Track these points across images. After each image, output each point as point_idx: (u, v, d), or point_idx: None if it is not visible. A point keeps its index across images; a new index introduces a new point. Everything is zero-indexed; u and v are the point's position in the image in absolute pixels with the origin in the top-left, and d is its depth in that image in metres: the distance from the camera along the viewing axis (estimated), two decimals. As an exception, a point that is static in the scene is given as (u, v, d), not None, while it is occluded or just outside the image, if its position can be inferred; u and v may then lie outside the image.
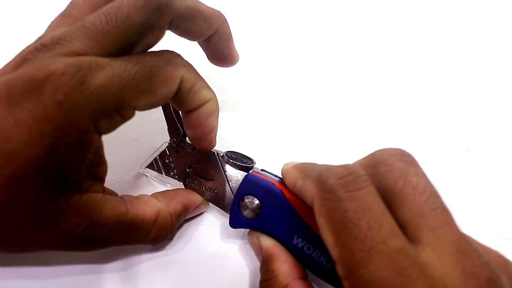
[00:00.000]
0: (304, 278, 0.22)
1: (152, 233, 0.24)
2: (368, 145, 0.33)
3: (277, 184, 0.23)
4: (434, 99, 0.37)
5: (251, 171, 0.25)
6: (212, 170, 0.26)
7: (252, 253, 0.26)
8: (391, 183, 0.18)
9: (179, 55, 0.23)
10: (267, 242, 0.23)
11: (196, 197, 0.27)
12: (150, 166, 0.29)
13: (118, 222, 0.22)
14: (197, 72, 0.24)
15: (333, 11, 0.43)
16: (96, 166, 0.22)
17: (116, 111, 0.20)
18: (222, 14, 0.26)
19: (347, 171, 0.18)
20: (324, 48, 0.40)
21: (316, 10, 0.43)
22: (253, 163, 0.26)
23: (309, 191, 0.19)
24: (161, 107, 0.28)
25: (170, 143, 0.28)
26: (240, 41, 0.39)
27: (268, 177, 0.24)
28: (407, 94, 0.37)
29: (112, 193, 0.24)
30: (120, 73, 0.20)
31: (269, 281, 0.22)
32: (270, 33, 0.40)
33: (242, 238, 0.27)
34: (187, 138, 0.27)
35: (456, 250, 0.16)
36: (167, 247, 0.27)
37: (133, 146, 0.32)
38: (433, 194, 0.18)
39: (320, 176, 0.18)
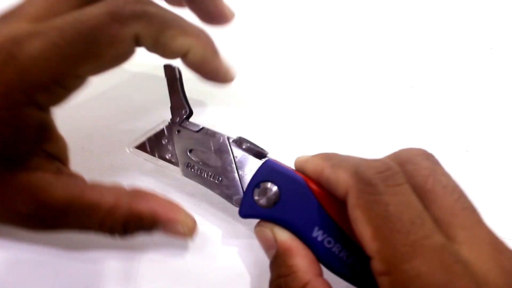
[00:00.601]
0: (321, 275, 0.21)
1: (104, 222, 0.22)
2: (368, 145, 0.33)
3: (298, 173, 0.22)
4: (434, 99, 0.37)
5: (265, 158, 0.24)
6: (219, 155, 0.24)
7: (252, 253, 0.26)
8: (420, 181, 0.18)
9: (136, 1, 0.21)
10: (284, 234, 0.21)
11: (178, 217, 0.23)
12: (141, 146, 0.26)
13: (69, 205, 0.21)
14: (163, 18, 0.21)
15: (335, 11, 0.43)
16: (45, 142, 0.21)
17: (55, 83, 0.19)
18: None
19: (385, 166, 0.18)
20: (324, 47, 0.40)
21: (319, 10, 0.43)
22: (266, 152, 0.25)
23: (343, 181, 0.18)
24: (165, 79, 0.26)
25: (170, 122, 0.25)
26: (252, 30, 0.39)
27: (286, 165, 0.23)
28: (407, 94, 0.37)
29: (73, 175, 0.22)
30: (55, 40, 0.18)
31: (288, 277, 0.20)
32: (274, 34, 0.40)
33: (243, 237, 0.27)
34: (191, 119, 0.26)
35: (492, 248, 0.16)
36: (167, 246, 0.27)
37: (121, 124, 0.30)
38: (463, 194, 0.18)
39: (357, 167, 0.18)
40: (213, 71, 0.24)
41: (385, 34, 0.42)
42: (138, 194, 0.23)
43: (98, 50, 0.19)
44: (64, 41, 0.19)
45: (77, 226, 0.22)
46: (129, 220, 0.22)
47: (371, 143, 0.33)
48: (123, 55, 0.21)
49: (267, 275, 0.22)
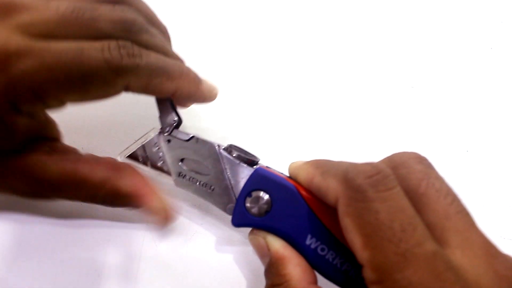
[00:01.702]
0: (316, 282, 0.21)
1: (94, 195, 0.23)
2: (368, 145, 0.33)
3: (290, 180, 0.22)
4: (434, 99, 0.37)
5: (256, 166, 0.24)
6: (210, 164, 0.24)
7: (248, 260, 0.26)
8: (413, 185, 0.18)
9: (135, 50, 0.22)
10: (276, 243, 0.21)
11: (155, 202, 0.24)
12: (133, 156, 0.26)
13: (62, 180, 0.23)
14: (151, 69, 0.22)
15: (335, 11, 0.43)
16: (38, 131, 0.23)
17: (38, 99, 0.20)
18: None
19: (375, 169, 0.17)
20: (324, 47, 0.40)
21: (318, 10, 0.43)
22: (258, 159, 0.24)
23: (332, 189, 0.18)
24: None
25: (161, 131, 0.25)
26: (245, 34, 0.39)
27: (278, 173, 0.23)
28: (407, 94, 0.37)
29: (65, 151, 0.24)
30: (50, 66, 0.20)
31: (281, 286, 0.20)
32: (273, 32, 0.40)
33: (243, 237, 0.27)
34: (181, 127, 0.26)
35: (485, 253, 0.16)
36: (167, 246, 0.27)
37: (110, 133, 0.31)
38: (456, 198, 0.18)
39: (346, 174, 0.18)
40: (199, 99, 0.27)
41: (385, 34, 0.42)
42: (125, 170, 0.24)
43: (88, 89, 0.21)
44: (59, 72, 0.20)
45: (70, 197, 0.24)
46: (114, 195, 0.24)
47: (371, 144, 0.33)
48: (111, 95, 0.22)
49: (262, 282, 0.21)
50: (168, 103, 0.25)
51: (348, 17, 0.43)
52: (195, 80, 0.26)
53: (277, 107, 0.35)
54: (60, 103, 0.22)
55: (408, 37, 0.41)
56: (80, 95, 0.21)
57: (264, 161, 0.26)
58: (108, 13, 0.21)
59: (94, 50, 0.20)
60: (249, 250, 0.27)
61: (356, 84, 0.37)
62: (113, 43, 0.21)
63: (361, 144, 0.33)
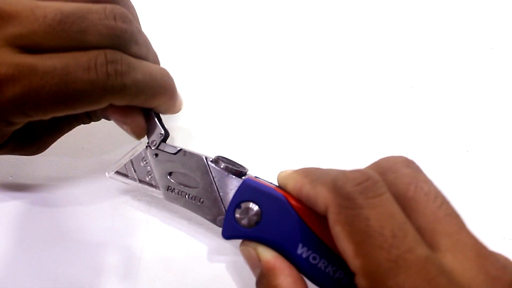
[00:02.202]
0: None
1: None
2: (368, 146, 0.33)
3: (279, 190, 0.22)
4: (434, 99, 0.37)
5: (244, 177, 0.24)
6: (199, 177, 0.24)
7: (238, 270, 0.26)
8: (402, 189, 0.18)
9: (124, 67, 0.21)
10: (267, 254, 0.21)
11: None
12: (121, 171, 0.26)
13: None
14: (136, 89, 0.22)
15: (333, 10, 0.43)
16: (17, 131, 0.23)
17: (26, 116, 0.21)
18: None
19: (363, 176, 0.17)
20: (323, 47, 0.40)
21: (315, 8, 0.43)
22: (246, 169, 0.24)
23: (322, 197, 0.18)
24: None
25: (148, 145, 0.25)
26: (232, 39, 0.39)
27: (267, 183, 0.23)
28: (407, 94, 0.37)
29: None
30: (37, 89, 0.20)
31: None
32: (266, 30, 0.40)
33: (230, 254, 0.27)
34: (167, 141, 0.26)
35: (477, 254, 0.16)
36: (167, 245, 0.27)
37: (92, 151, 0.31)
38: (445, 200, 0.18)
39: (335, 182, 0.18)
40: (169, 113, 0.27)
41: (385, 34, 0.42)
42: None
43: (74, 107, 0.21)
44: (45, 95, 0.20)
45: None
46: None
47: (371, 144, 0.33)
48: (97, 109, 0.23)
49: None
50: (154, 117, 0.25)
51: (348, 18, 0.43)
52: (173, 95, 0.25)
53: (265, 113, 0.35)
54: (46, 116, 0.22)
55: (408, 37, 0.41)
56: (66, 112, 0.21)
57: (253, 171, 0.25)
58: (98, 21, 0.20)
59: (80, 70, 0.20)
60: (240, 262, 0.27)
61: (356, 84, 0.37)
62: (101, 58, 0.20)
63: (361, 144, 0.33)
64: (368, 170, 0.18)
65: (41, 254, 0.26)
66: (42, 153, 0.27)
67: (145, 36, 0.24)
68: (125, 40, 0.21)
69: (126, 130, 0.25)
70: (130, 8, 0.24)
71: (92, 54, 0.20)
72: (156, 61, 0.25)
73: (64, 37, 0.20)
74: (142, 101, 0.23)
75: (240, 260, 0.26)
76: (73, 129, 0.28)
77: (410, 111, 0.36)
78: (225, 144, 0.33)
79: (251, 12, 0.41)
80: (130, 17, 0.22)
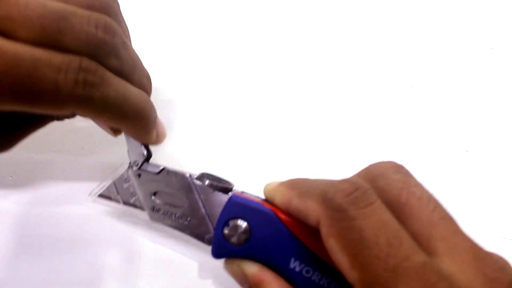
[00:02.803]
0: None
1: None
2: (367, 146, 0.33)
3: (266, 204, 0.21)
4: (434, 99, 0.37)
5: (231, 192, 0.23)
6: (184, 195, 0.24)
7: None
8: (394, 195, 0.18)
9: (96, 78, 0.20)
10: (252, 268, 0.21)
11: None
12: (104, 194, 0.25)
13: None
14: (104, 103, 0.20)
15: (332, 10, 0.43)
16: None
17: None
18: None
19: (353, 186, 0.17)
20: (323, 47, 0.40)
21: (313, 7, 0.43)
22: (232, 184, 0.24)
23: (312, 211, 0.18)
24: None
25: (130, 166, 0.25)
26: (218, 46, 0.39)
27: (253, 198, 0.22)
28: (407, 94, 0.37)
29: None
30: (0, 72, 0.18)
31: None
32: (258, 29, 0.40)
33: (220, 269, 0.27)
34: (150, 160, 0.25)
35: (473, 257, 0.16)
36: (167, 245, 0.27)
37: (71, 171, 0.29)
38: (438, 203, 0.18)
39: (324, 194, 0.17)
40: (146, 142, 0.25)
41: (384, 34, 0.42)
42: None
43: (32, 105, 0.19)
44: (5, 82, 0.18)
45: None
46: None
47: (371, 144, 0.33)
48: (58, 115, 0.22)
49: None
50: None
51: (347, 17, 0.43)
52: (147, 125, 0.24)
53: (252, 121, 0.35)
54: (2, 107, 0.20)
55: (408, 37, 0.41)
56: (24, 108, 0.20)
57: (240, 182, 0.25)
58: (78, 26, 0.19)
59: (49, 69, 0.19)
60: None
61: (356, 84, 0.37)
62: (74, 63, 0.19)
63: (361, 144, 0.33)
64: (357, 179, 0.18)
65: (41, 254, 0.26)
66: (42, 153, 0.27)
67: (133, 55, 0.23)
68: (102, 51, 0.20)
69: (101, 127, 0.25)
70: (121, 22, 0.23)
71: (67, 57, 0.19)
72: (143, 83, 0.24)
73: (40, 32, 0.19)
74: (108, 120, 0.22)
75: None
76: (73, 129, 0.28)
77: (410, 111, 0.36)
78: (211, 155, 0.32)
79: (237, 21, 0.41)
80: (115, 29, 0.21)
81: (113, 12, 0.23)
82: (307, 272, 0.20)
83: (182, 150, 0.32)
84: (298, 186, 0.20)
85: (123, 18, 0.24)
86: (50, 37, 0.19)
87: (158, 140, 0.25)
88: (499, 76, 0.39)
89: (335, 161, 0.32)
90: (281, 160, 0.32)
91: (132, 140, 0.25)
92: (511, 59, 0.40)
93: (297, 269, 0.20)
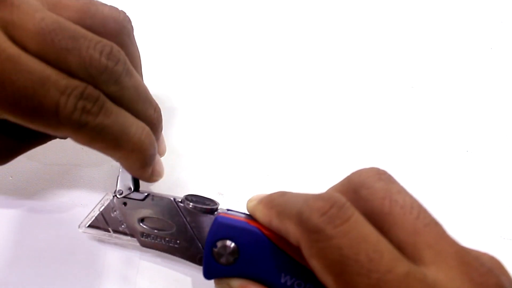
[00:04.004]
0: None
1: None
2: (367, 146, 0.33)
3: (251, 222, 0.22)
4: (434, 99, 0.37)
5: (216, 213, 0.23)
6: (171, 219, 0.24)
7: None
8: (377, 205, 0.18)
9: (94, 108, 0.20)
10: (239, 283, 0.21)
11: None
12: (94, 224, 0.25)
13: None
14: (98, 130, 0.20)
15: (332, 10, 0.43)
16: None
17: None
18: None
19: (328, 204, 0.17)
20: (323, 47, 0.40)
21: (312, 8, 0.43)
22: (217, 204, 0.24)
23: (291, 232, 0.18)
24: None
25: (114, 195, 0.25)
26: (209, 53, 0.39)
27: (238, 216, 0.23)
28: (407, 94, 0.37)
29: None
30: (5, 81, 0.18)
31: None
32: (265, 33, 0.40)
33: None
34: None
35: (460, 263, 0.16)
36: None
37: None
38: (422, 209, 0.18)
39: (299, 215, 0.17)
40: (139, 177, 0.25)
41: (384, 34, 0.42)
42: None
43: (29, 120, 0.19)
44: (11, 92, 0.19)
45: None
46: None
47: (371, 144, 0.33)
48: (52, 134, 0.21)
49: None
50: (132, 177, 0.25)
51: (347, 17, 0.43)
52: (144, 161, 0.23)
53: (251, 121, 0.35)
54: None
55: (408, 37, 0.41)
56: (19, 120, 0.20)
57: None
58: (84, 49, 0.20)
59: (54, 89, 0.19)
60: None
61: (356, 84, 0.37)
62: (78, 90, 0.19)
63: (361, 144, 0.33)
64: (333, 194, 0.18)
65: (41, 254, 0.26)
66: (42, 153, 0.27)
67: (138, 83, 0.22)
68: (103, 77, 0.20)
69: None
70: (131, 47, 0.23)
71: (74, 82, 0.19)
72: (148, 115, 0.23)
73: (48, 47, 0.19)
74: (101, 149, 0.21)
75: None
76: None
77: (410, 111, 0.36)
78: (211, 156, 0.32)
79: (239, 23, 0.41)
80: (119, 57, 0.21)
81: (125, 34, 0.23)
82: (299, 285, 0.20)
83: (181, 153, 0.32)
84: (275, 205, 0.20)
85: (135, 43, 0.24)
86: (57, 54, 0.19)
87: (152, 178, 0.25)
88: (499, 76, 0.39)
89: (335, 161, 0.32)
90: (281, 160, 0.32)
91: (126, 175, 0.25)
92: (511, 59, 0.40)
93: (289, 283, 0.20)
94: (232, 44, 0.38)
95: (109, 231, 0.25)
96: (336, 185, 0.20)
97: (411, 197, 0.18)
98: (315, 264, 0.17)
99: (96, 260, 0.26)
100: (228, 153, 0.32)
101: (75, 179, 0.29)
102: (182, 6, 0.39)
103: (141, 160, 0.23)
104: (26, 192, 0.28)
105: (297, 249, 0.19)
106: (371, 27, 0.42)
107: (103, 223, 0.25)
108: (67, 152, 0.31)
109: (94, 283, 0.25)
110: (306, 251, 0.17)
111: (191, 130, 0.33)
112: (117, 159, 0.23)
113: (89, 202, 0.28)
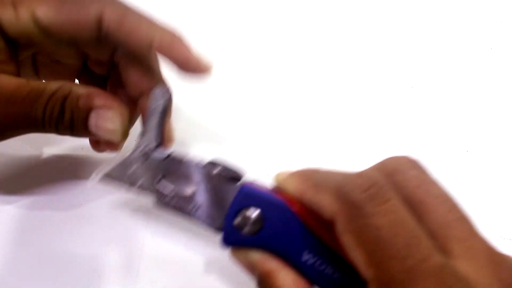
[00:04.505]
0: (310, 287, 0.20)
1: (48, 105, 0.22)
2: (367, 146, 0.33)
3: (278, 194, 0.21)
4: (434, 99, 0.37)
5: (241, 181, 0.22)
6: (192, 182, 0.23)
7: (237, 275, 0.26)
8: (410, 192, 0.17)
9: None
10: (260, 257, 0.20)
11: (111, 112, 0.23)
12: (109, 175, 0.24)
13: (15, 91, 0.22)
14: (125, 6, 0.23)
15: (333, 10, 0.43)
16: None
17: None
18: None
19: (369, 181, 0.16)
20: (324, 47, 0.40)
21: (315, 9, 0.43)
22: (243, 173, 0.23)
23: (327, 205, 0.17)
24: (151, 102, 0.24)
25: (138, 148, 0.24)
26: (235, 37, 0.39)
27: (264, 187, 0.22)
28: (407, 94, 0.37)
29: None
30: None
31: None
32: (269, 30, 0.40)
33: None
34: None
35: (489, 261, 0.16)
36: (167, 245, 0.27)
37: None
38: (455, 204, 0.17)
39: (340, 189, 0.17)
40: (184, 58, 0.25)
41: (385, 34, 0.42)
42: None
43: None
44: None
45: (23, 114, 0.23)
46: (68, 99, 0.23)
47: (371, 144, 0.33)
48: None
49: None
50: (158, 124, 0.24)
51: (348, 18, 0.43)
52: (180, 37, 0.24)
53: (263, 111, 0.35)
54: None
55: (408, 37, 0.41)
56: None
57: (251, 170, 0.24)
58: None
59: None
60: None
61: (356, 84, 0.37)
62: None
63: (361, 144, 0.33)
64: (374, 174, 0.17)
65: (40, 254, 0.26)
66: (42, 152, 0.27)
67: None
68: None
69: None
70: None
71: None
72: None
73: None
74: (138, 22, 0.23)
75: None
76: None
77: (410, 111, 0.36)
78: (222, 141, 0.32)
79: (252, 13, 0.41)
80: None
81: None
82: (320, 265, 0.20)
83: (192, 138, 0.32)
84: (310, 177, 0.19)
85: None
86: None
87: (201, 65, 0.25)
88: (499, 76, 0.39)
89: (335, 161, 0.32)
90: (288, 152, 0.32)
91: (151, 124, 0.24)
92: (511, 59, 0.40)
93: (310, 262, 0.20)
94: (237, 51, 0.38)
95: (124, 185, 0.24)
96: (369, 168, 0.19)
97: (444, 190, 0.18)
98: (348, 240, 0.16)
99: (96, 260, 0.26)
100: (238, 142, 0.32)
101: (76, 178, 0.29)
102: None
103: (179, 35, 0.25)
104: (25, 191, 0.28)
105: (323, 228, 0.19)
106: (372, 27, 0.42)
107: (120, 175, 0.24)
108: (67, 153, 0.31)
109: (94, 283, 0.25)
110: (341, 225, 0.17)
111: (201, 117, 0.33)
112: (157, 34, 0.24)
113: (88, 202, 0.28)
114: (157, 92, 0.24)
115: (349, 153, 0.33)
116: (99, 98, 0.23)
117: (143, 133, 0.24)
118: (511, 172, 0.32)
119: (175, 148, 0.24)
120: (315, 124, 0.34)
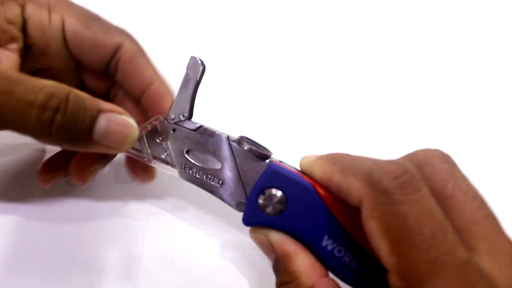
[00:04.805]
0: (327, 275, 0.20)
1: (39, 99, 0.19)
2: (367, 145, 0.33)
3: (305, 177, 0.20)
4: (434, 99, 0.37)
5: (269, 160, 0.22)
6: (219, 157, 0.22)
7: (253, 252, 0.26)
8: (439, 186, 0.17)
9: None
10: (279, 239, 0.20)
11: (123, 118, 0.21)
12: (134, 145, 0.24)
13: (15, 82, 0.20)
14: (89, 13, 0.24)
15: (334, 11, 0.43)
16: None
17: None
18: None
19: (401, 169, 0.16)
20: (324, 47, 0.40)
21: (318, 9, 0.43)
22: (271, 152, 0.22)
23: (355, 190, 0.17)
24: (185, 71, 0.23)
25: (166, 119, 0.23)
26: (255, 31, 0.39)
27: (292, 169, 0.21)
28: (407, 94, 0.37)
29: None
30: None
31: (291, 284, 0.19)
32: (276, 33, 0.40)
33: (243, 235, 0.27)
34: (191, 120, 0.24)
35: None
36: (167, 245, 0.27)
37: None
38: (483, 201, 0.17)
39: (370, 174, 0.17)
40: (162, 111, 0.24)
41: (385, 34, 0.42)
42: None
43: None
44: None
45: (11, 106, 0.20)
46: (70, 97, 0.20)
47: (371, 144, 0.33)
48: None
49: (263, 281, 0.21)
50: (191, 94, 0.23)
51: (348, 18, 0.43)
52: (142, 48, 0.25)
53: (283, 104, 0.35)
54: None
55: (408, 37, 0.41)
56: None
57: (276, 155, 0.23)
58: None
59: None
60: (250, 250, 0.27)
61: (357, 84, 0.37)
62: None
63: (361, 144, 0.33)
64: (405, 163, 0.17)
65: (40, 254, 0.26)
66: (42, 153, 0.27)
67: None
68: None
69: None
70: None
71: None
72: None
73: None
74: (101, 32, 0.24)
75: (240, 260, 0.26)
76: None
77: (410, 111, 0.36)
78: (247, 123, 0.32)
79: (266, 11, 0.41)
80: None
81: None
82: (339, 252, 0.19)
83: (221, 114, 0.32)
84: (339, 161, 0.19)
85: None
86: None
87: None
88: (499, 76, 0.39)
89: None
90: (292, 144, 0.32)
91: (183, 95, 0.23)
92: (511, 59, 0.40)
93: (329, 247, 0.19)
94: (239, 51, 0.38)
95: (149, 156, 0.24)
96: (399, 159, 0.19)
97: (474, 187, 0.18)
98: (373, 227, 0.16)
99: (96, 260, 0.26)
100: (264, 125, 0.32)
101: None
102: None
103: (141, 46, 0.26)
104: (25, 191, 0.28)
105: (347, 215, 0.19)
106: (372, 27, 0.42)
107: (145, 146, 0.24)
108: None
109: (94, 283, 0.25)
110: (368, 211, 0.16)
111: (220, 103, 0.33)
112: (122, 42, 0.24)
113: (88, 202, 0.28)
114: (194, 61, 0.23)
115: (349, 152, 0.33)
116: (106, 103, 0.21)
117: (174, 103, 0.23)
118: (511, 172, 0.32)
119: (204, 122, 0.24)
120: (315, 124, 0.34)
